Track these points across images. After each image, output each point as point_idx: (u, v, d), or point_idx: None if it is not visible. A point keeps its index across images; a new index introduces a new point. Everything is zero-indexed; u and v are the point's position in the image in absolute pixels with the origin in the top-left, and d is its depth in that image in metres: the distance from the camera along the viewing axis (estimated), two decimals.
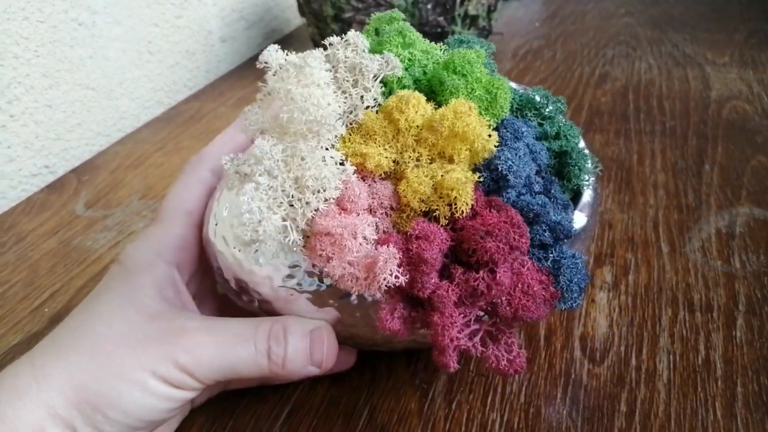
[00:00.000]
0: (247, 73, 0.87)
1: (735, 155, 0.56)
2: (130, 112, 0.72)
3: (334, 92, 0.30)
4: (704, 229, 0.47)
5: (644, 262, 0.44)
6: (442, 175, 0.29)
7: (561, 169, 0.34)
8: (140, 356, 0.28)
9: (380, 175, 0.30)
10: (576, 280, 0.29)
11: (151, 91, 0.75)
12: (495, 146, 0.30)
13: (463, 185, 0.28)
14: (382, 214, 0.29)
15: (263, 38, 0.96)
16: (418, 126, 0.30)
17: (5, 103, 0.57)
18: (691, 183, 0.52)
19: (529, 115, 0.35)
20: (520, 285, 0.27)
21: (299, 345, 0.29)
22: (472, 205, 0.29)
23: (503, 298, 0.27)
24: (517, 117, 0.35)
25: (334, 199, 0.28)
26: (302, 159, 0.27)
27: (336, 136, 0.29)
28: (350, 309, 0.30)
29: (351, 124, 0.31)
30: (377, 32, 0.37)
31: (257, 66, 0.29)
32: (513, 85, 0.39)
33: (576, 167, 0.33)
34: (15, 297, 0.46)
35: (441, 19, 0.73)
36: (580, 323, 0.40)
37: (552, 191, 0.32)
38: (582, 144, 0.36)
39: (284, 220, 0.27)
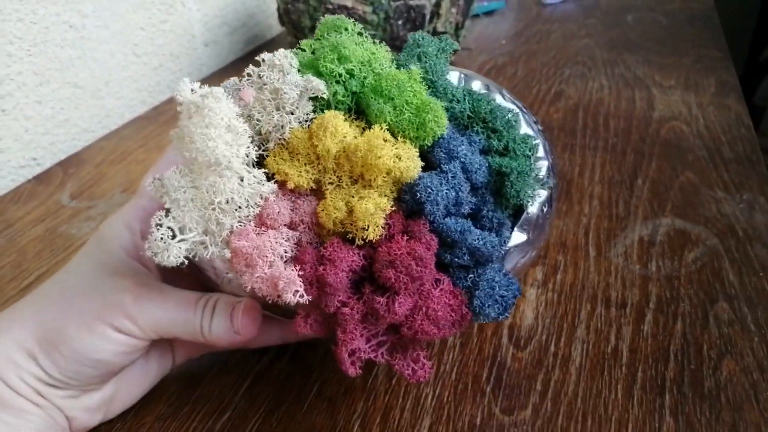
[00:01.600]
0: (228, 76, 0.91)
1: (666, 171, 0.62)
2: (114, 110, 0.76)
3: (249, 120, 0.32)
4: (629, 237, 0.53)
5: (572, 264, 0.50)
6: (357, 201, 0.31)
7: (500, 187, 0.34)
8: (93, 302, 0.33)
9: (304, 190, 0.32)
10: (492, 301, 0.31)
11: (136, 91, 0.79)
12: (420, 172, 0.31)
13: (371, 217, 0.30)
14: (304, 228, 0.32)
15: (245, 43, 1.01)
16: (332, 152, 0.31)
17: None
18: (623, 195, 0.58)
19: (476, 127, 0.35)
20: (424, 309, 0.30)
21: (222, 315, 0.34)
22: (389, 227, 0.31)
23: (404, 323, 0.30)
24: (466, 127, 0.35)
25: (251, 216, 0.31)
26: (212, 186, 0.29)
27: (244, 174, 0.31)
28: None
29: (279, 140, 0.32)
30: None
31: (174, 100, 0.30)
32: (477, 82, 0.38)
33: (513, 189, 0.33)
34: (4, 278, 0.50)
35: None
36: (510, 314, 0.45)
37: (484, 211, 0.33)
38: (541, 152, 0.36)
39: (205, 234, 0.30)
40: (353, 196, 0.31)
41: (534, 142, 0.35)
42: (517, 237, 0.34)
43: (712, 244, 0.51)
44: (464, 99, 0.36)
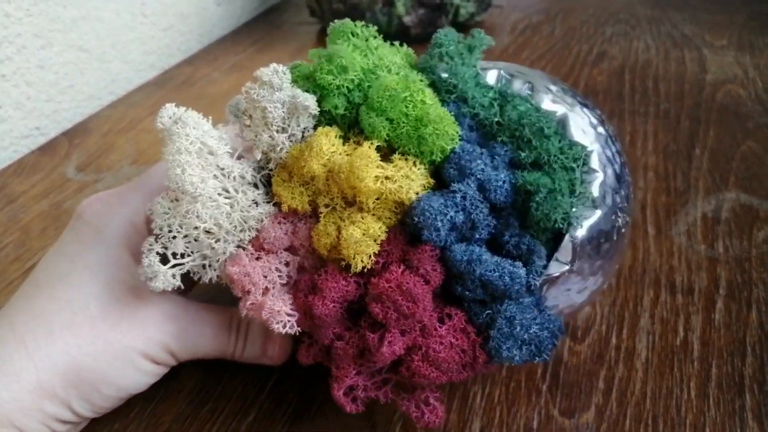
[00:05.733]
0: (241, 37, 0.86)
1: (726, 140, 0.56)
2: (122, 75, 0.71)
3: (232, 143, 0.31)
4: (691, 213, 0.48)
5: (630, 244, 0.45)
6: (345, 227, 0.28)
7: (527, 209, 0.29)
8: (135, 340, 0.31)
9: (303, 213, 0.30)
10: (513, 342, 0.27)
11: (144, 55, 0.74)
12: (419, 192, 0.28)
13: (355, 245, 0.27)
14: (305, 252, 0.30)
15: (259, 2, 0.95)
16: (320, 175, 0.29)
17: None
18: (680, 166, 0.53)
19: (501, 137, 0.30)
20: (423, 350, 0.27)
21: (255, 341, 0.34)
22: (388, 254, 0.28)
23: (402, 363, 0.28)
24: (490, 136, 0.31)
25: (247, 240, 0.30)
26: (187, 214, 0.28)
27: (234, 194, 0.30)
28: None
29: (279, 160, 0.30)
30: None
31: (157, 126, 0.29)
32: (518, 83, 0.32)
33: (539, 211, 0.28)
34: (7, 258, 0.46)
35: None
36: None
37: (506, 236, 0.29)
38: (596, 162, 0.30)
39: (204, 258, 0.30)
40: (344, 221, 0.29)
41: (581, 152, 0.29)
42: (557, 267, 0.28)
43: None
44: (492, 104, 0.31)
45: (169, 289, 0.29)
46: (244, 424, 0.34)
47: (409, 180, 0.28)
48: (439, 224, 0.27)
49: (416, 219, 0.27)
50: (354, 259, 0.27)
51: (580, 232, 0.29)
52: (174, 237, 0.29)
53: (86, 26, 0.65)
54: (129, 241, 0.31)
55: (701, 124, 0.59)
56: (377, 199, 0.28)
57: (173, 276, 0.29)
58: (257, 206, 0.30)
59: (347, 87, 0.30)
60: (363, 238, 0.27)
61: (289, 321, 0.28)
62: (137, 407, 0.35)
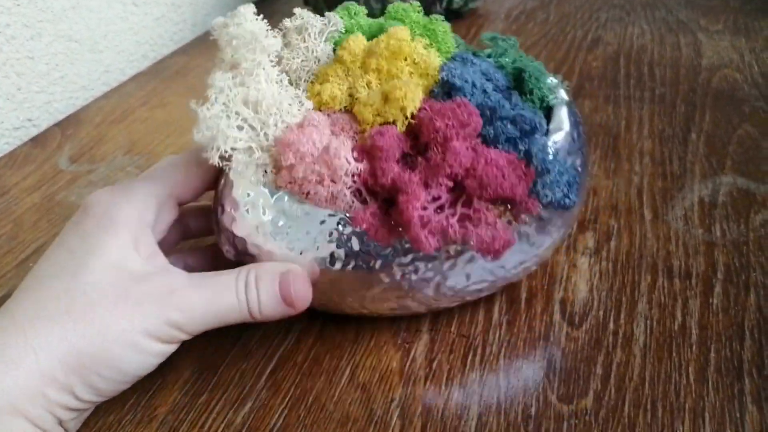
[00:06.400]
0: None
1: (722, 124, 0.56)
2: (114, 65, 0.71)
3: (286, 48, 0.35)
4: (687, 198, 0.47)
5: (626, 229, 0.45)
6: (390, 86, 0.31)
7: (520, 87, 0.35)
8: (134, 319, 0.30)
9: (339, 109, 0.33)
10: (552, 163, 0.29)
11: (136, 44, 0.73)
12: (441, 61, 0.33)
13: (405, 84, 0.30)
14: (344, 137, 0.31)
15: None
16: (359, 54, 0.33)
17: None
18: (676, 151, 0.53)
19: (482, 55, 0.37)
20: (483, 158, 0.28)
21: (269, 290, 0.31)
22: (426, 110, 0.30)
23: (467, 175, 0.29)
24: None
25: (293, 123, 0.32)
26: (256, 85, 0.31)
27: (274, 54, 0.33)
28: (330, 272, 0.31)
29: (311, 78, 0.35)
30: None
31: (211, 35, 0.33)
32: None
33: (532, 79, 0.34)
34: None
35: None
36: (561, 287, 0.40)
37: (513, 100, 0.33)
38: (553, 81, 0.37)
39: (252, 138, 0.31)
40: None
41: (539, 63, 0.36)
42: (555, 133, 0.33)
43: None
44: (467, 49, 0.38)
45: (227, 155, 0.30)
46: (241, 414, 0.34)
47: (435, 55, 0.33)
48: (467, 76, 0.31)
49: (446, 77, 0.31)
50: (406, 99, 0.30)
51: (564, 110, 0.35)
52: (230, 97, 0.31)
53: (76, 16, 0.64)
54: (134, 232, 0.31)
55: (697, 108, 0.58)
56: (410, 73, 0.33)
57: (232, 138, 0.30)
58: (300, 97, 0.33)
59: (359, 26, 0.37)
60: (410, 79, 0.31)
61: (353, 159, 0.29)
62: (132, 398, 0.35)
